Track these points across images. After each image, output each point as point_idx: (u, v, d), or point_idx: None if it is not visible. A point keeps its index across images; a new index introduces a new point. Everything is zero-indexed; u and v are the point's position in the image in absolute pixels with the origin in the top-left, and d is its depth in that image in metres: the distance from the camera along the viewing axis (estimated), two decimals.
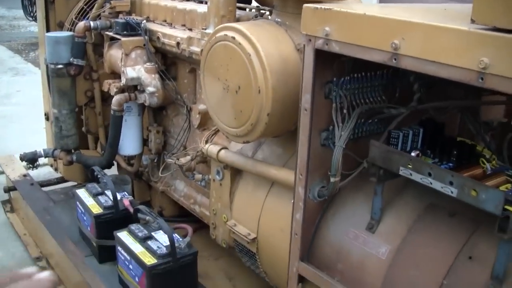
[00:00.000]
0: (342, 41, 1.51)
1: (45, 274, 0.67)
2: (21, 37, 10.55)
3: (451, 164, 1.62)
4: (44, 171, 4.23)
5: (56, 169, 3.89)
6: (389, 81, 1.80)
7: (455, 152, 1.63)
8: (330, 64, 1.69)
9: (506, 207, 1.36)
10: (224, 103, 1.99)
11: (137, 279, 2.37)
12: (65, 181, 3.82)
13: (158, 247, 2.34)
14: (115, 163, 3.44)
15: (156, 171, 3.02)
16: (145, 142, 3.10)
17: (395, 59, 1.38)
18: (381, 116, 1.81)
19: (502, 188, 1.49)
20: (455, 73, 1.26)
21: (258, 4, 2.53)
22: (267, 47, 1.83)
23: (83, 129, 3.46)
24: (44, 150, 3.44)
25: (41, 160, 3.80)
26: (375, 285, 1.70)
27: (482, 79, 1.21)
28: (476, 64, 1.21)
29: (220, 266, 2.82)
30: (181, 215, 3.13)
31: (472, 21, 1.23)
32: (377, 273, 1.70)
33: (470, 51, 1.22)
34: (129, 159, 3.24)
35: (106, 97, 3.29)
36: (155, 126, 2.99)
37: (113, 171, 3.68)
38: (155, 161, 3.05)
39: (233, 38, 1.88)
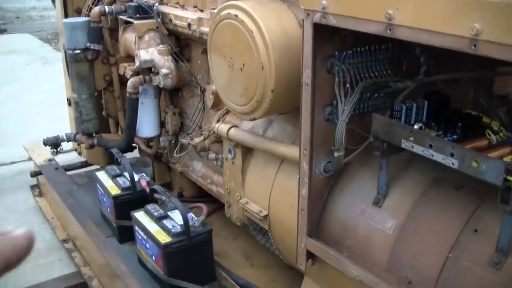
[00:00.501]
0: (338, 13, 1.49)
1: (20, 231, 0.67)
2: (50, 27, 10.71)
3: (455, 136, 1.60)
4: (71, 156, 4.31)
5: (80, 153, 3.96)
6: (394, 54, 1.78)
7: (459, 124, 1.61)
8: (331, 39, 1.67)
9: (508, 177, 1.34)
10: (230, 81, 1.99)
11: (154, 258, 2.41)
12: (89, 164, 3.89)
13: (173, 226, 2.37)
14: (137, 145, 3.49)
15: (178, 152, 3.05)
16: (163, 124, 3.13)
17: (390, 30, 1.36)
18: (387, 90, 1.78)
19: (507, 159, 1.46)
20: (448, 41, 1.24)
21: None
22: (269, 23, 1.82)
23: (103, 113, 3.51)
24: (66, 134, 3.50)
25: (68, 146, 3.88)
26: (382, 260, 1.69)
27: (474, 45, 1.19)
28: (468, 31, 1.18)
29: (238, 245, 2.84)
30: (201, 196, 3.16)
31: None
32: (383, 248, 1.69)
33: (462, 18, 1.19)
34: (148, 141, 3.28)
35: (125, 81, 3.31)
36: (171, 107, 3.01)
37: (135, 154, 3.73)
38: (173, 142, 3.08)
39: (236, 16, 1.87)
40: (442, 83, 1.80)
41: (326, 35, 1.64)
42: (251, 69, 1.86)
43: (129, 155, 3.78)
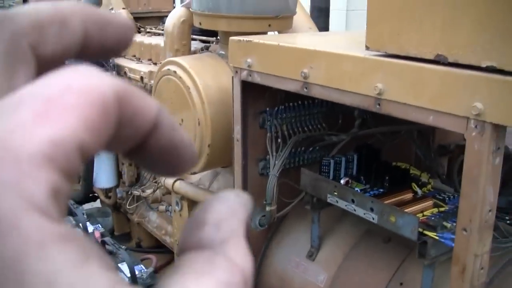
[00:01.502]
0: (262, 71, 1.53)
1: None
2: None
3: (382, 190, 1.62)
4: None
5: None
6: (329, 108, 1.81)
7: (387, 178, 1.63)
8: (262, 95, 1.71)
9: (425, 232, 1.36)
10: None
11: None
12: None
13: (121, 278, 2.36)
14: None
15: (131, 203, 3.06)
16: (121, 174, 3.14)
17: (306, 88, 1.40)
18: (322, 143, 1.82)
19: (427, 213, 1.48)
20: (356, 99, 1.27)
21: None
22: (206, 79, 1.87)
23: None
24: None
25: None
26: None
27: (379, 104, 1.23)
28: (372, 90, 1.22)
29: None
30: (159, 246, 3.14)
31: (367, 48, 1.24)
32: None
33: (366, 77, 1.23)
34: (106, 191, 3.28)
35: None
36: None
37: (98, 204, 3.73)
38: (130, 193, 3.08)
39: (175, 72, 1.92)
40: (380, 136, 1.84)
41: (257, 91, 1.67)
42: (189, 124, 1.89)
43: (93, 205, 3.78)
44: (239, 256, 0.22)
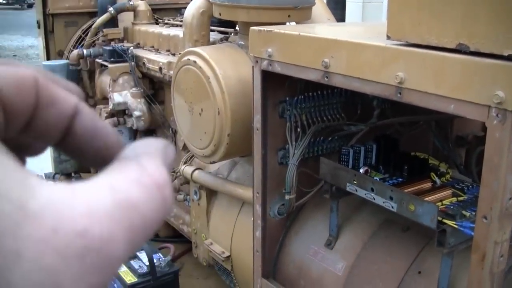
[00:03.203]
0: (282, 61, 1.55)
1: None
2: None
3: (401, 179, 1.63)
4: None
5: None
6: (348, 97, 1.82)
7: (406, 167, 1.64)
8: (283, 84, 1.72)
9: (445, 220, 1.37)
10: (191, 125, 2.04)
11: None
12: None
13: (139, 266, 2.39)
14: None
15: None
16: None
17: (327, 77, 1.41)
18: (341, 133, 1.83)
19: (446, 202, 1.49)
20: (376, 88, 1.28)
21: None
22: (226, 69, 1.88)
23: None
24: (45, 174, 3.54)
25: None
26: None
27: (400, 93, 1.23)
28: (393, 79, 1.23)
29: (208, 285, 2.84)
30: (176, 236, 3.18)
31: (388, 37, 1.25)
32: None
33: (387, 67, 1.24)
34: None
35: None
36: None
37: None
38: None
39: (195, 62, 1.94)
40: (399, 126, 1.84)
41: (277, 81, 1.69)
42: (209, 113, 1.91)
43: None
44: (151, 166, 0.27)
